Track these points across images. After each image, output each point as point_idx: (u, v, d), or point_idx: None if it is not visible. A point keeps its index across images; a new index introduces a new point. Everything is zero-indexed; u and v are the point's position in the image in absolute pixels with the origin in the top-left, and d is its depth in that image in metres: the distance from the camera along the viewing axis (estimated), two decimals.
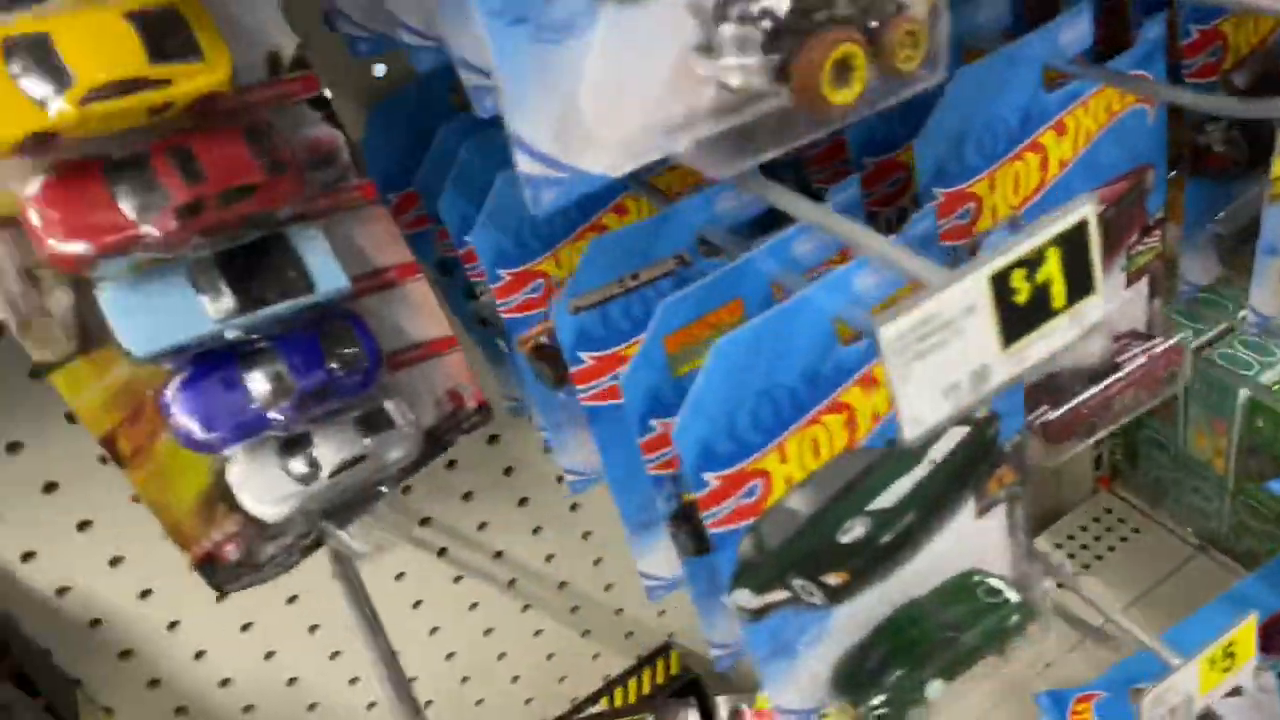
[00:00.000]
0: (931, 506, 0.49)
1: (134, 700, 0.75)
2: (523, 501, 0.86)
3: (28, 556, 0.66)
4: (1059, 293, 0.30)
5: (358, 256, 0.49)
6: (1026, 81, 0.49)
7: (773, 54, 0.28)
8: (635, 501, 0.53)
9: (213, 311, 0.43)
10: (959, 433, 0.47)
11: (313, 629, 0.81)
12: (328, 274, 0.46)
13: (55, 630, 0.69)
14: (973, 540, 0.53)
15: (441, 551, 0.84)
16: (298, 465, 0.49)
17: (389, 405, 0.52)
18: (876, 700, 0.49)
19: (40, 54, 0.35)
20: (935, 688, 0.50)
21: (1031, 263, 0.29)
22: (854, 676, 0.50)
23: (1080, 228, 0.29)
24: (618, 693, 0.98)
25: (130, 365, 0.45)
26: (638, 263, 0.46)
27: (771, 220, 0.48)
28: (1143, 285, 0.59)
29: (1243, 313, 0.66)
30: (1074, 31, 0.49)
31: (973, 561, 0.54)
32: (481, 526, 0.85)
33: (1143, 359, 0.58)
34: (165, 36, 0.37)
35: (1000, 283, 0.28)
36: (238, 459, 0.49)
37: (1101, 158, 0.53)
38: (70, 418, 0.64)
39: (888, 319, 0.27)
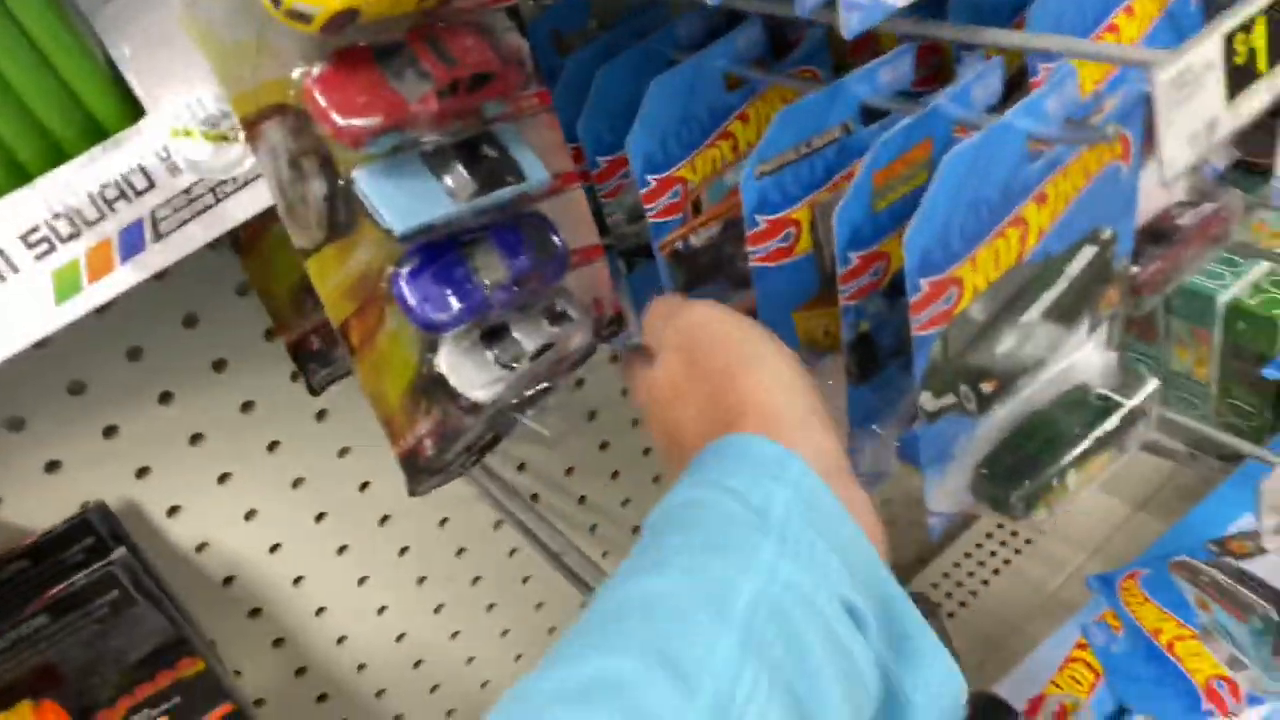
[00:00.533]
0: (1063, 321, 0.55)
1: (260, 660, 0.76)
2: (604, 446, 0.90)
3: (173, 511, 0.68)
4: (1263, 59, 0.37)
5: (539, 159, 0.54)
6: None
7: None
8: None
9: (456, 192, 0.47)
10: (1089, 252, 0.54)
11: (420, 581, 0.83)
12: (533, 167, 0.51)
13: (194, 588, 0.70)
14: (1082, 355, 0.59)
15: (534, 497, 0.87)
16: (502, 351, 0.53)
17: (563, 301, 0.57)
18: (1025, 486, 0.54)
19: None
20: (1074, 478, 0.56)
21: (1247, 26, 0.36)
22: (995, 474, 0.56)
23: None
24: None
25: (364, 256, 0.49)
26: (810, 132, 0.52)
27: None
28: None
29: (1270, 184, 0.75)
30: None
31: (1081, 376, 0.60)
32: (568, 472, 0.89)
33: (1197, 219, 0.66)
34: None
35: (1229, 43, 0.35)
36: (446, 348, 0.52)
37: (1160, 39, 0.62)
38: (217, 367, 0.66)
39: (1163, 65, 0.34)
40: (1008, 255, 0.48)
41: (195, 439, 0.67)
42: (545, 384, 0.58)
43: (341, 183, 0.46)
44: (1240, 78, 0.37)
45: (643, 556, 0.38)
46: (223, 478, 0.69)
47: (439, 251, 0.50)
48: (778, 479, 0.39)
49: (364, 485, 0.76)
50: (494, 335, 0.54)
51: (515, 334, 0.54)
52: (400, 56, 0.44)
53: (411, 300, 0.49)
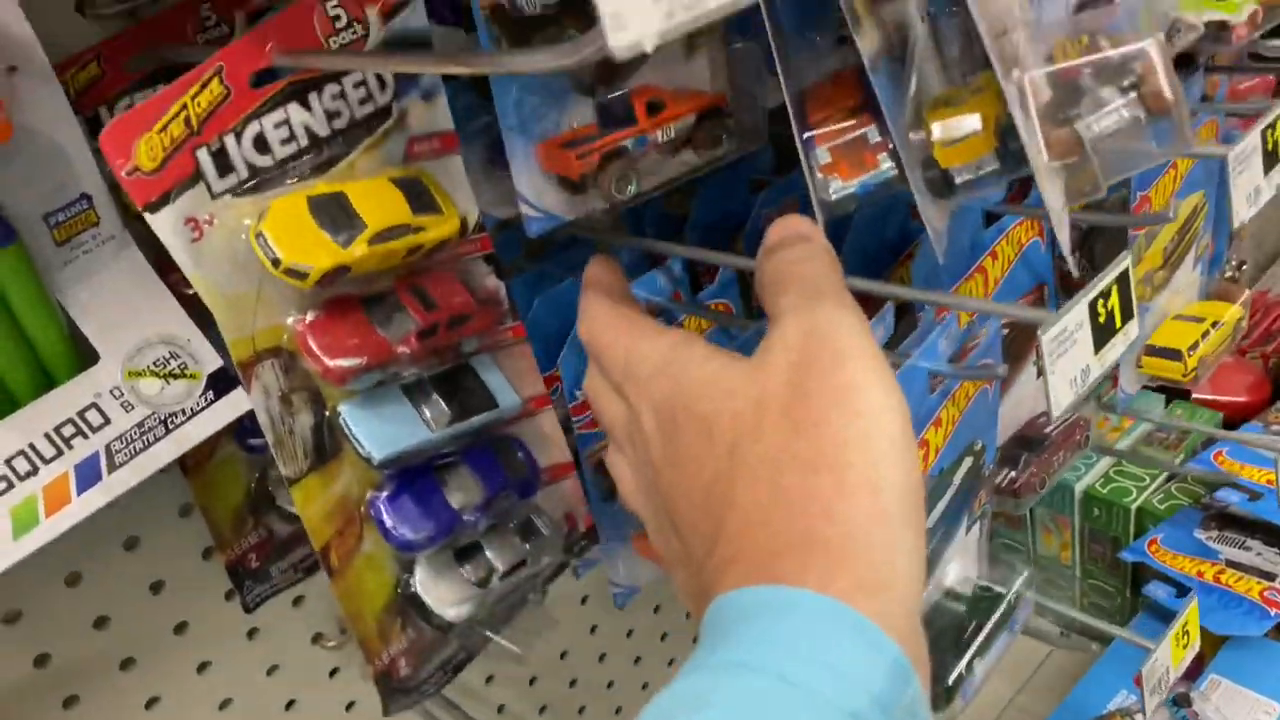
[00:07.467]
0: (952, 525, 0.63)
1: None
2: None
3: None
4: (1118, 318, 0.45)
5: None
6: (972, 221, 0.68)
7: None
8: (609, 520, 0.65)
9: (433, 421, 0.52)
10: (968, 462, 0.62)
11: (289, 705, 0.79)
12: (505, 394, 0.55)
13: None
14: (962, 553, 0.67)
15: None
16: (475, 570, 0.56)
17: (535, 518, 0.60)
18: (944, 681, 0.59)
19: (339, 207, 0.46)
20: (979, 665, 0.62)
21: (1105, 294, 0.44)
22: None
23: (1125, 272, 0.45)
24: None
25: (345, 482, 0.52)
26: None
27: None
28: None
29: (1112, 393, 0.86)
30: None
31: (962, 572, 0.67)
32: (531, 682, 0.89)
33: (1061, 428, 0.76)
34: (418, 196, 0.48)
35: (1093, 306, 0.44)
36: (421, 568, 0.55)
37: (1017, 276, 0.72)
38: (154, 589, 0.66)
39: (1048, 325, 0.42)
40: None
41: (126, 664, 0.66)
42: (517, 601, 0.60)
43: (327, 415, 0.50)
44: (1103, 334, 0.45)
45: None
46: (150, 703, 0.68)
47: (415, 475, 0.54)
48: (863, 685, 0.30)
49: (290, 704, 0.76)
50: (466, 553, 0.57)
51: (488, 552, 0.57)
52: (387, 302, 0.49)
53: (388, 523, 0.52)
